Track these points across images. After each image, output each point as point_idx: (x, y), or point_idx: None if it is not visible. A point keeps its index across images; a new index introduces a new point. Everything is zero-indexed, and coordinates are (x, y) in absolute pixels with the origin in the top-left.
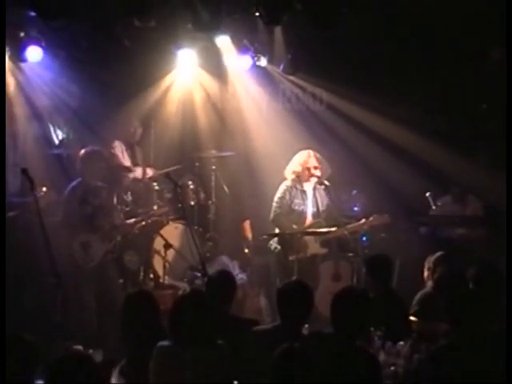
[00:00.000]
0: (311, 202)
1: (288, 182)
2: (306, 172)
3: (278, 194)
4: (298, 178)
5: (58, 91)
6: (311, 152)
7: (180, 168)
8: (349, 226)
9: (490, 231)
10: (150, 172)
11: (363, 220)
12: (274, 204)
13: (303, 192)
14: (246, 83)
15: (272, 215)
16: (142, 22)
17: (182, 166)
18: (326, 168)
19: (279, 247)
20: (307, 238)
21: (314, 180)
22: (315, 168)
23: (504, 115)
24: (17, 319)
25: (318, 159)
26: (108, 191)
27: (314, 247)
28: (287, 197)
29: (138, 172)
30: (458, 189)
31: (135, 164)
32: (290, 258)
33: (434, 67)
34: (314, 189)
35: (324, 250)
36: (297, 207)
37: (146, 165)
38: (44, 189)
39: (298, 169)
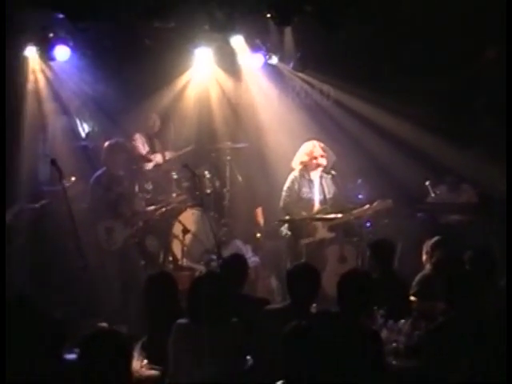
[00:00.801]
0: (318, 189)
1: (296, 173)
2: (313, 161)
3: (287, 184)
4: (305, 167)
5: (85, 87)
6: (315, 142)
7: (196, 157)
8: (354, 211)
9: (484, 217)
10: (168, 154)
11: (367, 205)
12: (283, 193)
13: (310, 181)
14: (259, 80)
15: (282, 204)
16: (161, 23)
17: (194, 147)
18: (330, 156)
19: (290, 233)
20: (316, 223)
21: (320, 169)
22: (321, 156)
23: (498, 110)
24: (46, 299)
25: (322, 148)
26: (130, 180)
27: (322, 232)
28: (295, 186)
29: (158, 158)
30: (452, 178)
31: (154, 152)
32: (302, 242)
33: (434, 65)
34: (321, 177)
35: (331, 234)
36: (304, 195)
37: (163, 149)
38: (73, 178)
39: (305, 158)
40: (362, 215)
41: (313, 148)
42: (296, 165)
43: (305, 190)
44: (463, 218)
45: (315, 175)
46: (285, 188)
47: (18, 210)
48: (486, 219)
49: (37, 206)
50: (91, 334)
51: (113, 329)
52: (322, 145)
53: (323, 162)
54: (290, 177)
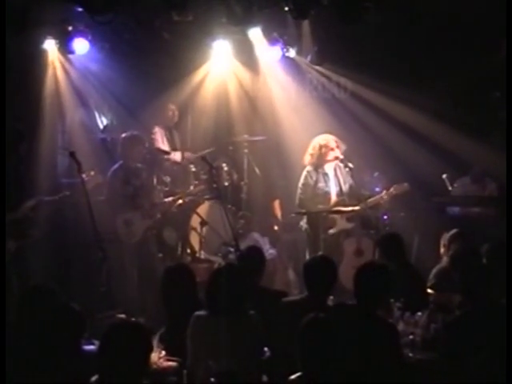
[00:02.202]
0: (334, 182)
1: (309, 168)
2: (331, 152)
3: (301, 181)
4: (318, 161)
5: (103, 80)
6: (328, 135)
7: (215, 151)
8: (371, 199)
9: (503, 210)
10: (188, 155)
11: (384, 192)
12: (299, 191)
13: (325, 174)
14: (276, 73)
15: (297, 201)
16: (180, 17)
17: (215, 148)
18: (341, 145)
19: (309, 228)
20: (333, 216)
21: (335, 161)
22: (337, 147)
23: None
24: (65, 290)
25: (334, 140)
26: (148, 172)
27: (341, 223)
28: (310, 182)
29: (177, 156)
30: (477, 170)
31: (174, 148)
32: (320, 236)
33: (451, 58)
34: (335, 169)
35: (350, 225)
36: (320, 191)
37: (184, 149)
38: (92, 172)
39: (323, 151)
40: (380, 202)
41: (328, 141)
42: (308, 160)
43: (320, 184)
44: (482, 210)
45: (329, 168)
46: (299, 185)
47: (36, 203)
48: (504, 212)
49: (56, 197)
50: (113, 324)
51: (134, 320)
52: (333, 137)
53: (339, 154)
54: (304, 173)
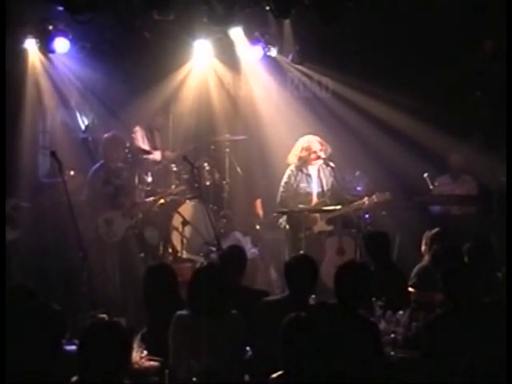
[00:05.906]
0: (316, 183)
1: (292, 167)
2: (313, 155)
3: (284, 180)
4: (302, 162)
5: (84, 80)
6: (311, 136)
7: (196, 150)
8: (353, 204)
9: (484, 208)
10: (167, 154)
11: (366, 198)
12: (281, 189)
13: (308, 175)
14: (258, 72)
15: (279, 199)
16: (161, 16)
17: (195, 145)
18: (326, 147)
19: (288, 226)
20: (314, 216)
21: (319, 162)
22: (320, 150)
23: (495, 101)
24: (46, 290)
25: (319, 142)
26: (129, 172)
27: (320, 225)
28: (292, 181)
29: (156, 155)
30: (455, 167)
31: (154, 147)
32: (299, 235)
33: (432, 57)
34: (319, 170)
35: (329, 227)
36: (302, 190)
37: (164, 148)
38: (72, 172)
39: (304, 153)
40: (361, 208)
41: (310, 143)
42: (293, 160)
43: (302, 185)
44: (463, 209)
45: (313, 169)
46: (282, 183)
47: (16, 203)
48: (485, 210)
49: (34, 204)
50: (91, 325)
51: (112, 320)
52: (318, 138)
53: (323, 154)
54: (287, 172)
